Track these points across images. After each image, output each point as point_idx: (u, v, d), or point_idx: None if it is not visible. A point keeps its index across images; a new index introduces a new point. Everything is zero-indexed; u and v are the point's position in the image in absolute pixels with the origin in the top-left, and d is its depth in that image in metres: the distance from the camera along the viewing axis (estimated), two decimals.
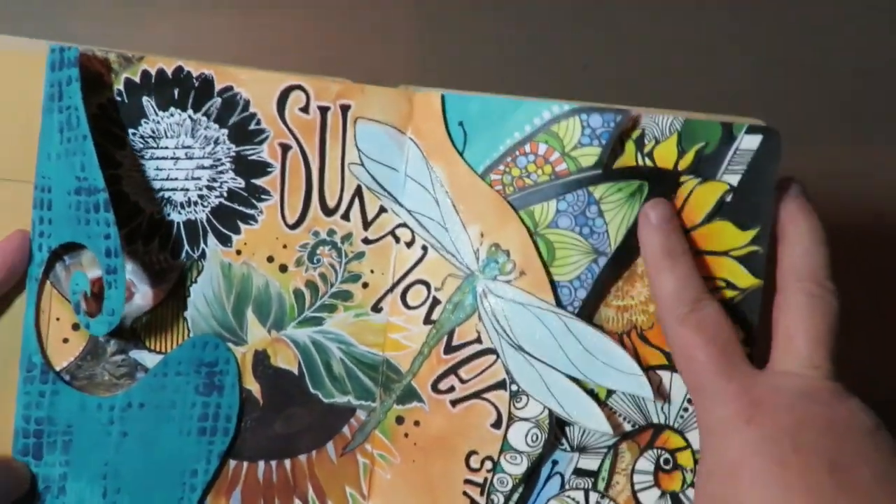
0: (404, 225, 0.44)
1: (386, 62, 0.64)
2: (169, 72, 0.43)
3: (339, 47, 0.64)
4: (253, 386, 0.45)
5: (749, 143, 0.42)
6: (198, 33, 0.65)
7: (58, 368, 0.44)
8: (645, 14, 0.65)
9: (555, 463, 0.44)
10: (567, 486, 0.44)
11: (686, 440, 0.44)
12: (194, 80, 0.43)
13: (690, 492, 0.44)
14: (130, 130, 0.43)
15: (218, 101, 0.43)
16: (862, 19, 0.68)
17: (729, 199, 0.42)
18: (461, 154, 0.43)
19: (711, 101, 0.49)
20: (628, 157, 0.42)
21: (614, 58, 0.66)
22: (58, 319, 0.44)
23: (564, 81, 0.66)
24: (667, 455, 0.44)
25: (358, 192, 0.44)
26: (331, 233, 0.44)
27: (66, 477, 0.44)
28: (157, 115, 0.43)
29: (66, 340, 0.44)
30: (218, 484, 0.45)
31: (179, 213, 0.44)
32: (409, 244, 0.44)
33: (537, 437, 0.44)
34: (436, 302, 0.44)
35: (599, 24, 0.64)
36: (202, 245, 0.44)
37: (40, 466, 0.44)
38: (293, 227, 0.44)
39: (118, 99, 0.43)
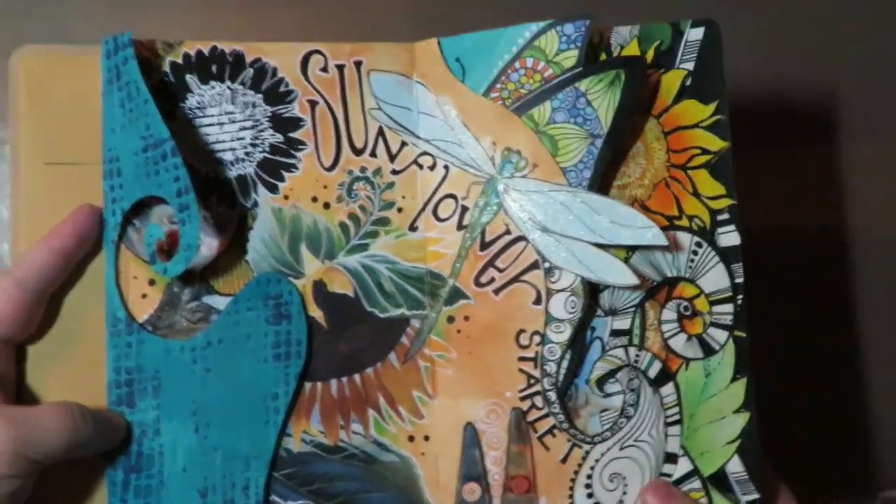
0: (424, 153, 0.51)
1: None
2: (206, 51, 0.50)
3: None
4: (316, 313, 0.50)
5: (695, 34, 0.51)
6: (198, 33, 0.64)
7: (140, 321, 0.48)
8: (645, 13, 0.64)
9: (593, 329, 0.50)
10: (607, 347, 0.50)
11: (699, 287, 0.50)
12: (228, 56, 0.50)
13: (711, 330, 0.50)
14: (179, 105, 0.49)
15: (250, 71, 0.50)
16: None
17: (689, 82, 0.51)
18: (463, 82, 0.51)
19: None
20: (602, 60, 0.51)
21: None
22: (135, 278, 0.49)
23: None
24: (685, 303, 0.50)
25: (380, 132, 0.51)
26: (362, 169, 0.51)
27: (159, 420, 0.48)
28: (200, 88, 0.50)
29: (144, 296, 0.49)
30: (297, 406, 0.49)
31: (230, 169, 0.50)
32: (432, 167, 0.51)
33: (575, 304, 0.50)
34: (464, 209, 0.51)
35: (600, 21, 0.66)
36: (253, 195, 0.50)
37: (135, 413, 0.48)
38: (329, 169, 0.51)
39: (165, 79, 0.49)
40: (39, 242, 0.47)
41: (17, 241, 0.48)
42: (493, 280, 0.50)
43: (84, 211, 0.48)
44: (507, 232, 0.50)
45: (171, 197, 0.47)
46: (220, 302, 0.49)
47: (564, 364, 0.50)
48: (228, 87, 0.50)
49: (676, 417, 0.50)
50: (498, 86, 0.51)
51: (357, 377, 0.50)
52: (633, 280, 0.49)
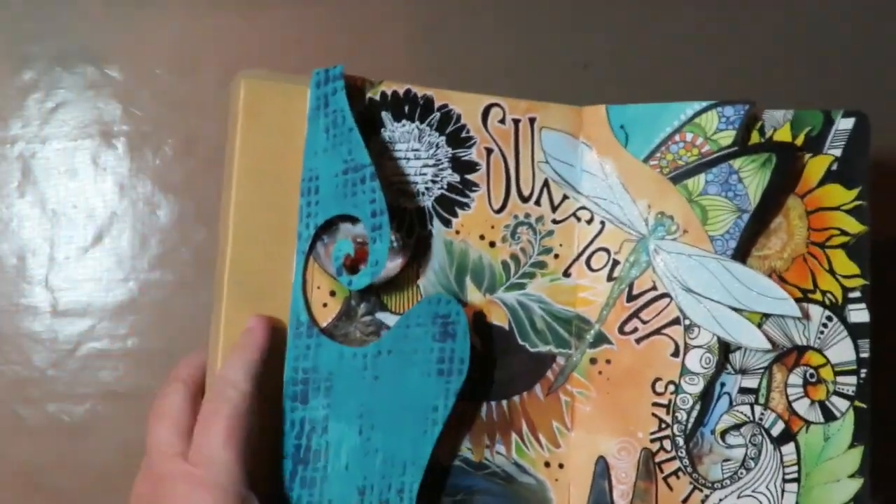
0: (583, 207, 0.56)
1: (386, 62, 0.67)
2: (401, 92, 0.56)
3: (339, 48, 0.68)
4: (474, 339, 0.55)
5: (845, 124, 0.56)
6: (198, 33, 0.69)
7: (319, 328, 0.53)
8: (645, 14, 0.69)
9: (723, 385, 0.55)
10: (735, 403, 0.55)
11: (825, 357, 0.55)
12: (419, 99, 0.56)
13: (834, 398, 0.54)
14: (373, 136, 0.55)
15: (437, 115, 0.56)
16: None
17: (835, 167, 0.56)
18: (625, 147, 0.56)
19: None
20: (755, 140, 0.56)
21: (614, 58, 0.69)
22: (318, 288, 0.54)
23: (564, 81, 0.69)
24: (811, 370, 0.55)
25: (545, 183, 0.57)
26: (527, 216, 0.56)
27: (328, 418, 0.53)
28: (392, 125, 0.55)
29: (325, 305, 0.54)
30: (449, 423, 0.54)
31: (411, 201, 0.55)
32: (589, 221, 0.56)
33: (710, 360, 0.54)
34: (615, 263, 0.56)
35: (599, 24, 0.68)
36: (429, 226, 0.55)
37: (307, 410, 0.52)
38: (498, 211, 0.56)
39: (363, 112, 0.55)
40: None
41: (234, 247, 0.53)
42: (636, 330, 0.55)
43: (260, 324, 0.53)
44: (654, 288, 0.55)
45: (365, 216, 0.52)
46: (390, 319, 0.54)
47: (694, 414, 0.54)
48: (417, 127, 0.56)
49: (794, 475, 0.54)
50: (657, 154, 0.56)
51: (505, 403, 0.55)
52: (766, 345, 0.54)
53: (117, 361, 0.69)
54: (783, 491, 0.54)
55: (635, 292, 0.56)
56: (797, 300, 0.54)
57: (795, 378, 0.55)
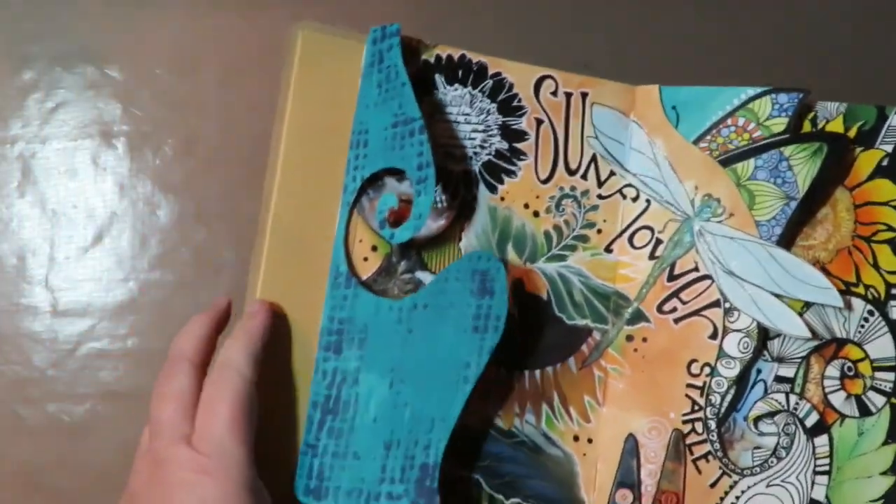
0: (630, 185, 0.56)
1: None
2: (455, 57, 0.56)
3: None
4: (511, 306, 0.54)
5: None
6: (198, 33, 0.68)
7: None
8: (645, 14, 0.69)
9: (759, 371, 0.54)
10: (770, 390, 0.54)
11: (864, 351, 0.54)
12: (473, 66, 0.56)
13: (871, 393, 0.54)
14: (424, 97, 0.55)
15: (490, 82, 0.56)
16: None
17: (885, 162, 0.55)
18: (675, 128, 0.56)
19: None
20: (807, 130, 0.56)
21: (614, 58, 0.69)
22: (360, 241, 0.54)
23: None
24: (849, 364, 0.54)
25: (593, 158, 0.56)
26: (572, 189, 0.56)
27: (359, 370, 0.52)
28: (445, 88, 0.56)
29: (365, 259, 0.54)
30: (481, 386, 0.53)
31: (458, 164, 0.55)
32: (635, 199, 0.56)
33: (748, 345, 0.54)
34: (658, 242, 0.55)
35: (599, 24, 0.67)
36: (474, 191, 0.55)
37: (339, 360, 0.52)
38: (544, 182, 0.56)
39: (417, 74, 0.55)
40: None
41: (279, 197, 0.54)
42: (675, 310, 0.55)
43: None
44: (696, 269, 0.55)
45: (412, 169, 0.52)
46: (429, 278, 0.54)
47: (728, 398, 0.54)
48: (469, 92, 0.56)
49: (826, 468, 0.53)
50: (708, 137, 0.56)
51: (538, 373, 0.54)
52: (805, 333, 0.53)
53: (117, 361, 0.68)
54: (813, 483, 0.53)
55: (677, 272, 0.55)
56: (839, 292, 0.54)
57: (833, 370, 0.54)
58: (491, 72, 0.56)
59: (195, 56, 0.68)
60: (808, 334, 0.53)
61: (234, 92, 0.68)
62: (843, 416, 0.54)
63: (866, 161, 0.56)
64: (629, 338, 0.55)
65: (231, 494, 0.46)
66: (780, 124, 0.55)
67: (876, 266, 0.55)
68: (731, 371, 0.54)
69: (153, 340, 0.69)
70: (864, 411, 0.54)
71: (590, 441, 0.54)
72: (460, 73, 0.56)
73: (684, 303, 0.55)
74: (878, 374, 0.54)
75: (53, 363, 0.68)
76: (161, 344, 0.65)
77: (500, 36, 0.68)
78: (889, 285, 0.54)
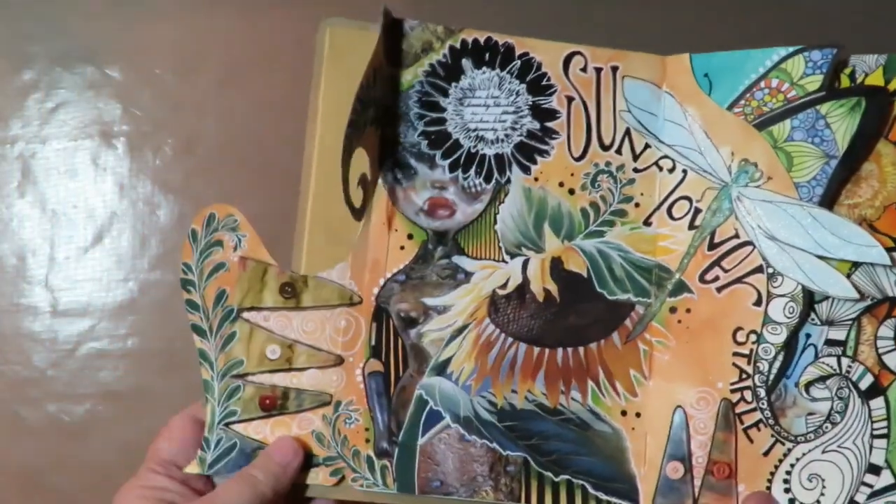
0: (665, 156, 0.56)
1: None
2: (481, 40, 0.56)
3: None
4: (551, 286, 0.55)
5: None
6: (198, 33, 0.69)
7: (395, 270, 0.54)
8: (645, 14, 0.68)
9: (808, 336, 0.53)
10: (821, 355, 0.53)
11: None
12: (500, 47, 0.56)
13: None
14: (453, 84, 0.56)
15: (518, 63, 0.56)
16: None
17: None
18: (709, 95, 0.55)
19: None
20: (845, 85, 0.54)
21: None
22: (396, 230, 0.55)
23: None
24: None
25: (627, 132, 0.56)
26: (607, 164, 0.56)
27: None
28: (472, 72, 0.56)
29: (402, 248, 0.55)
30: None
31: (490, 147, 0.56)
32: (671, 170, 0.56)
33: (794, 310, 0.53)
34: (697, 211, 0.55)
35: (599, 24, 0.67)
36: (507, 173, 0.55)
37: None
38: (578, 159, 0.56)
39: (443, 60, 0.56)
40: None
41: (312, 192, 0.55)
42: (717, 278, 0.54)
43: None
44: (736, 236, 0.54)
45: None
46: (467, 263, 0.55)
47: (777, 364, 0.53)
48: (497, 75, 0.56)
49: (884, 431, 0.52)
50: (742, 102, 0.55)
51: (581, 350, 0.54)
52: (853, 293, 0.52)
53: (117, 361, 0.69)
54: (871, 447, 0.52)
55: (717, 240, 0.54)
56: (889, 249, 0.52)
57: (886, 330, 0.53)
58: (518, 52, 0.56)
59: (195, 56, 0.69)
60: (856, 295, 0.52)
61: (234, 92, 0.68)
62: None
63: None
64: (672, 309, 0.54)
65: None
66: (815, 82, 0.54)
67: None
68: (777, 337, 0.53)
69: (153, 340, 0.69)
70: None
71: (638, 415, 0.54)
72: (487, 55, 0.56)
73: (726, 271, 0.54)
74: None
75: (53, 363, 0.69)
76: (161, 344, 0.68)
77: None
78: None
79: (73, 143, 0.69)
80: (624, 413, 0.54)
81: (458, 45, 0.56)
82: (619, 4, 0.67)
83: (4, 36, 0.69)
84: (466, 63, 0.56)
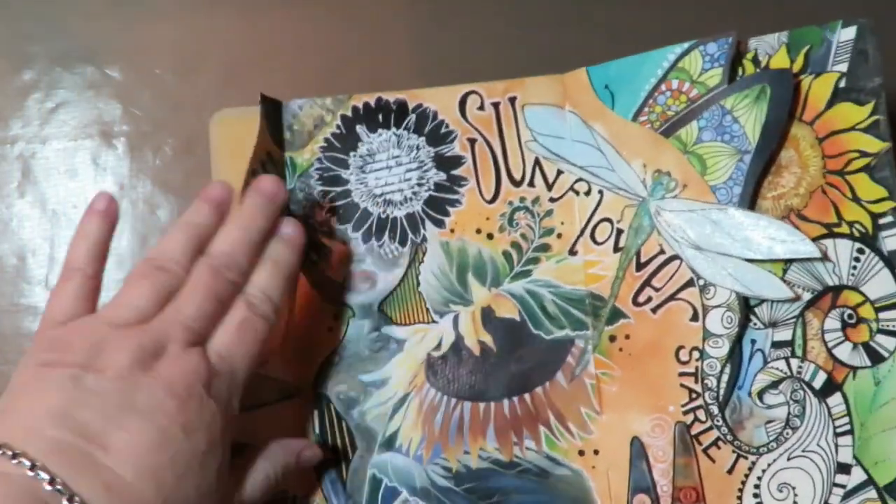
0: (580, 179, 0.54)
1: (386, 62, 0.64)
2: (372, 103, 0.55)
3: (338, 47, 0.65)
4: (485, 337, 0.54)
5: (847, 34, 0.50)
6: (198, 33, 0.67)
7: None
8: (645, 14, 0.65)
9: (753, 342, 0.51)
10: (769, 359, 0.51)
11: (863, 294, 0.50)
12: (392, 105, 0.55)
13: (879, 337, 0.49)
14: (351, 153, 0.55)
15: (413, 116, 0.55)
16: None
17: (842, 84, 0.50)
18: (612, 109, 0.53)
19: None
20: (749, 72, 0.51)
21: (614, 58, 0.61)
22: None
23: None
24: (849, 311, 0.50)
25: (537, 162, 0.54)
26: (522, 199, 0.54)
27: None
28: (369, 137, 0.55)
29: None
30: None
31: (399, 209, 0.55)
32: (587, 193, 0.54)
33: (732, 319, 0.51)
34: (619, 232, 0.53)
35: (599, 24, 0.64)
36: (422, 231, 0.54)
37: None
38: (490, 201, 0.54)
39: (337, 132, 0.55)
40: None
41: None
42: (650, 299, 0.52)
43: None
44: (662, 252, 0.52)
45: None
46: (396, 331, 0.54)
47: (724, 378, 0.51)
48: (394, 134, 0.55)
49: (847, 428, 0.50)
50: (646, 109, 0.52)
51: (527, 396, 0.53)
52: (788, 294, 0.49)
53: None
54: (836, 446, 0.50)
55: (643, 259, 0.52)
56: (821, 237, 0.50)
57: (832, 322, 0.50)
58: (412, 105, 0.55)
59: (195, 56, 0.68)
60: (791, 294, 0.50)
61: (234, 92, 0.67)
62: (853, 369, 0.50)
63: (821, 87, 0.51)
64: (612, 338, 0.53)
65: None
66: (715, 76, 0.51)
67: (856, 199, 0.50)
68: (720, 350, 0.51)
69: None
70: (876, 358, 0.50)
71: (596, 452, 0.53)
72: (380, 116, 0.55)
73: (657, 290, 0.52)
74: (883, 315, 0.50)
75: None
76: None
77: (500, 36, 0.66)
78: (874, 216, 0.50)
79: (73, 143, 0.69)
80: (581, 453, 0.53)
81: (349, 113, 0.55)
82: (619, 4, 0.64)
83: (4, 36, 0.70)
84: (361, 129, 0.55)
